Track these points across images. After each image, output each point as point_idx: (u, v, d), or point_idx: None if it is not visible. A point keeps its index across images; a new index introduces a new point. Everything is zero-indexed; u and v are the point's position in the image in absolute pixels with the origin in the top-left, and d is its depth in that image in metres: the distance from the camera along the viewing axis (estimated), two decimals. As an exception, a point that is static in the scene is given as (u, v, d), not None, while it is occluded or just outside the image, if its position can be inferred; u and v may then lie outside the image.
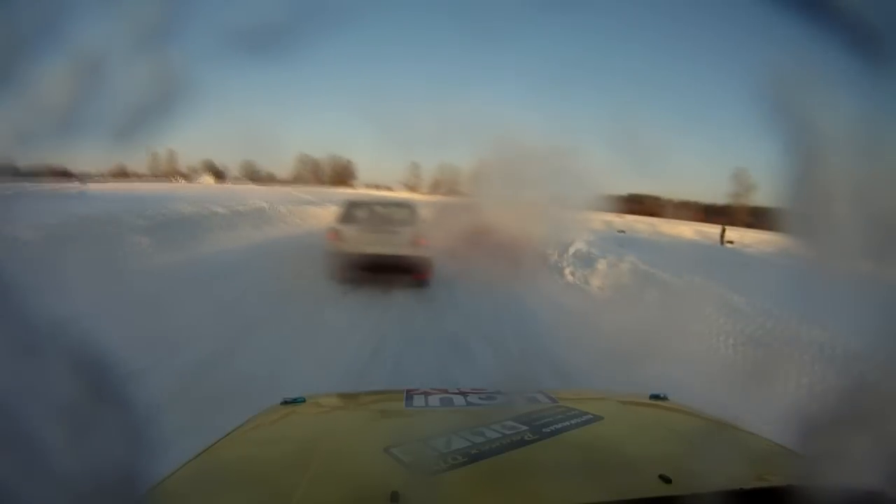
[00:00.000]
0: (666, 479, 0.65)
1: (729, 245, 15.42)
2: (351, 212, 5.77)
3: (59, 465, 0.47)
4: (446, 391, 1.10)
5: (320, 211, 11.60)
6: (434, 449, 0.74)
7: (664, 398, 1.16)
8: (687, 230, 18.39)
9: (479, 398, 1.06)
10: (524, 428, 0.83)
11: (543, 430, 0.84)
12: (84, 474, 0.47)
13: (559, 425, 0.86)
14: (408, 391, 1.10)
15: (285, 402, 1.08)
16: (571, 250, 7.15)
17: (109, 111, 0.73)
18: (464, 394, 1.09)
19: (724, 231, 16.77)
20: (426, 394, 1.08)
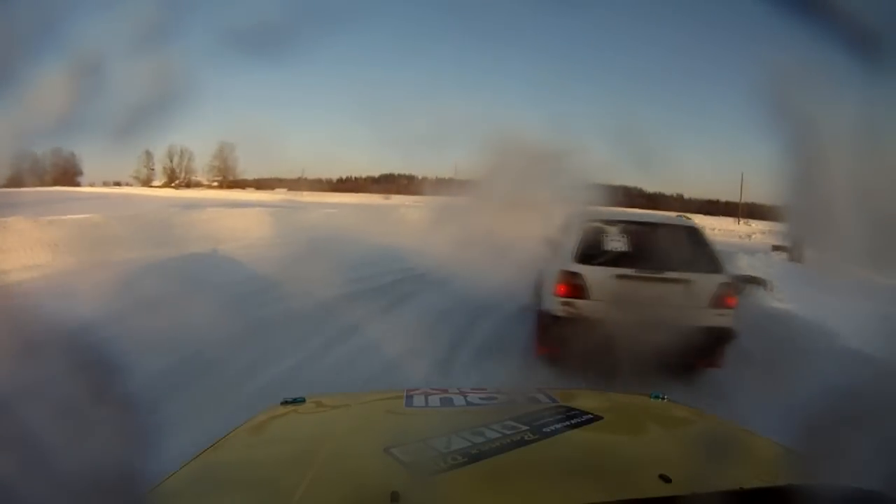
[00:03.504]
0: (666, 479, 0.65)
1: (778, 253, 9.57)
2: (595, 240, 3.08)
3: (59, 465, 0.47)
4: (446, 391, 1.10)
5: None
6: (434, 449, 0.74)
7: (664, 398, 1.17)
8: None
9: (479, 398, 1.06)
10: (524, 428, 0.83)
11: (543, 430, 0.84)
12: (84, 474, 0.47)
13: (559, 425, 0.86)
14: (408, 391, 1.10)
15: (285, 402, 1.08)
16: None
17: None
18: (464, 394, 1.09)
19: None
20: (426, 394, 1.08)
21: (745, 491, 0.62)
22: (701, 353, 2.78)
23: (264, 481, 0.73)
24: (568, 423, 0.88)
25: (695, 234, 3.07)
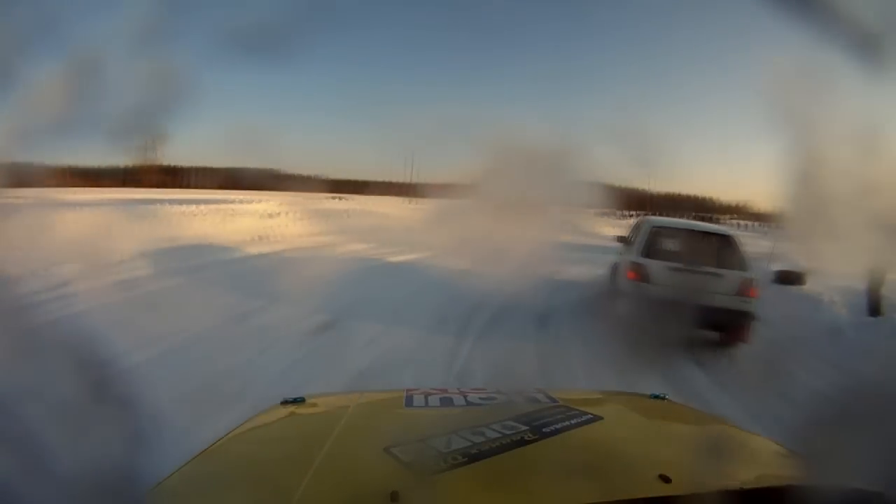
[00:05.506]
0: (666, 479, 0.65)
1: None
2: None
3: (59, 465, 0.47)
4: (446, 391, 1.10)
5: None
6: (434, 449, 0.74)
7: (664, 398, 1.17)
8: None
9: (479, 398, 1.06)
10: (524, 428, 0.83)
11: (543, 430, 0.84)
12: (84, 474, 0.47)
13: (559, 425, 0.86)
14: (408, 391, 1.10)
15: (285, 402, 1.08)
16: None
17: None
18: (464, 394, 1.09)
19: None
20: (426, 394, 1.08)
21: (746, 491, 0.63)
22: (729, 328, 3.96)
23: (264, 481, 0.73)
24: (568, 423, 0.88)
25: (730, 240, 4.27)
